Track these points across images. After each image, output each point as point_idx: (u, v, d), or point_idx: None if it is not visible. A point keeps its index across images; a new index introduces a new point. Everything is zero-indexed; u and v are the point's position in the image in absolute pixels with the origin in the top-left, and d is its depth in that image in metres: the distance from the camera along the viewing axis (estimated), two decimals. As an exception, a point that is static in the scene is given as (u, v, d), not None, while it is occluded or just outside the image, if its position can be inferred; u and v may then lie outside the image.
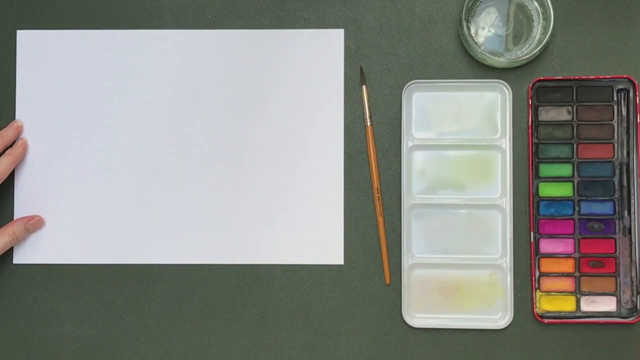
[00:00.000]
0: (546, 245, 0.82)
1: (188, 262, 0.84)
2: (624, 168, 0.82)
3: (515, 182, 0.83)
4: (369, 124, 0.84)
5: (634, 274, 0.82)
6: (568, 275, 0.82)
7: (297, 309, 0.84)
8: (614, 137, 0.82)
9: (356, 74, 0.84)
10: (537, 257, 0.82)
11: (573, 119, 0.83)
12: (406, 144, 0.83)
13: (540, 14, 0.81)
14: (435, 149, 0.83)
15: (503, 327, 0.82)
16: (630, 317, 0.82)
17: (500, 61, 0.81)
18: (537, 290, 0.82)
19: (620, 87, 0.82)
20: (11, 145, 0.84)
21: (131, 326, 0.84)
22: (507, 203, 0.82)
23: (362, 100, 0.84)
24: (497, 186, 0.83)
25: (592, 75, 0.83)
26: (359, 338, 0.83)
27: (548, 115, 0.83)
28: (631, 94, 0.82)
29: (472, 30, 0.82)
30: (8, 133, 0.84)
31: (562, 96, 0.83)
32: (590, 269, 0.82)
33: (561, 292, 0.82)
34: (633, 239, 0.82)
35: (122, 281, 0.84)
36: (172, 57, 0.85)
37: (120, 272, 0.84)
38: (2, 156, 0.84)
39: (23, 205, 0.85)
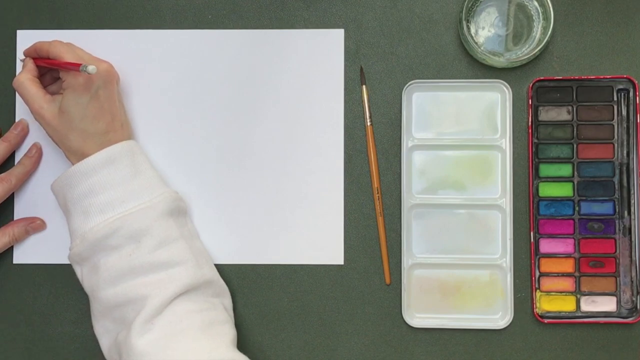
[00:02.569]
0: (546, 245, 0.82)
1: (188, 262, 0.84)
2: (624, 168, 0.82)
3: (515, 182, 0.83)
4: (369, 124, 0.84)
5: (634, 274, 0.82)
6: (568, 275, 0.82)
7: (297, 309, 0.84)
8: (614, 137, 0.82)
9: (356, 74, 0.84)
10: (537, 257, 0.82)
11: (573, 119, 0.83)
12: (406, 144, 0.83)
13: (540, 14, 0.81)
14: (435, 149, 0.83)
15: (503, 327, 0.82)
16: (630, 317, 0.82)
17: (500, 61, 0.81)
18: (537, 290, 0.82)
19: (620, 87, 0.82)
20: (12, 149, 0.84)
21: (131, 326, 0.84)
22: (507, 203, 0.82)
23: (362, 100, 0.84)
24: (497, 186, 0.83)
25: (592, 75, 0.83)
26: (359, 338, 0.83)
27: (548, 115, 0.83)
28: (631, 94, 0.82)
29: (472, 30, 0.82)
30: (14, 136, 0.83)
31: (562, 96, 0.83)
32: (590, 269, 0.82)
33: (561, 292, 0.82)
34: (633, 239, 0.82)
35: (122, 281, 0.84)
36: (172, 57, 0.85)
37: (120, 272, 0.84)
38: (16, 165, 0.83)
39: (23, 205, 0.84)
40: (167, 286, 0.74)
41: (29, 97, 0.78)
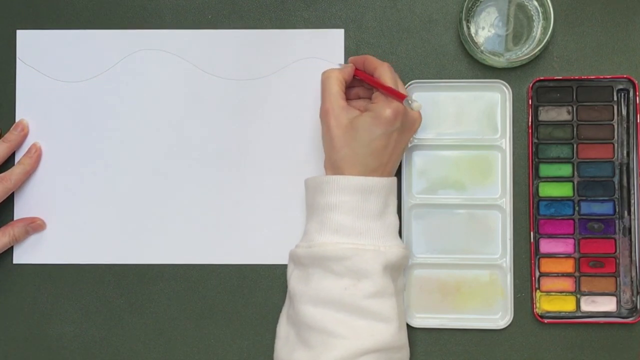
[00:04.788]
0: (546, 245, 0.82)
1: (188, 262, 0.84)
2: (624, 168, 0.82)
3: (515, 182, 0.83)
4: (369, 124, 0.84)
5: (634, 274, 0.82)
6: (568, 275, 0.82)
7: (297, 309, 0.83)
8: (614, 137, 0.82)
9: (356, 74, 0.84)
10: (537, 257, 0.82)
11: (573, 119, 0.83)
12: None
13: (540, 14, 0.81)
14: (435, 149, 0.83)
15: (503, 327, 0.82)
16: (630, 317, 0.82)
17: (500, 61, 0.81)
18: (537, 290, 0.82)
19: (620, 87, 0.82)
20: (13, 150, 0.84)
21: (131, 326, 0.84)
22: (507, 203, 0.82)
23: (363, 100, 0.84)
24: (497, 186, 0.83)
25: (592, 75, 0.83)
26: (359, 338, 0.83)
27: (548, 115, 0.83)
28: (631, 94, 0.82)
29: (472, 30, 0.82)
30: (14, 136, 0.83)
31: (562, 96, 0.83)
32: (590, 269, 0.82)
33: (561, 292, 0.82)
34: (633, 239, 0.82)
35: (122, 281, 0.84)
36: (172, 57, 0.85)
37: (120, 272, 0.84)
38: (16, 165, 0.83)
39: (23, 205, 0.85)
40: (365, 337, 0.73)
41: (328, 94, 0.77)
